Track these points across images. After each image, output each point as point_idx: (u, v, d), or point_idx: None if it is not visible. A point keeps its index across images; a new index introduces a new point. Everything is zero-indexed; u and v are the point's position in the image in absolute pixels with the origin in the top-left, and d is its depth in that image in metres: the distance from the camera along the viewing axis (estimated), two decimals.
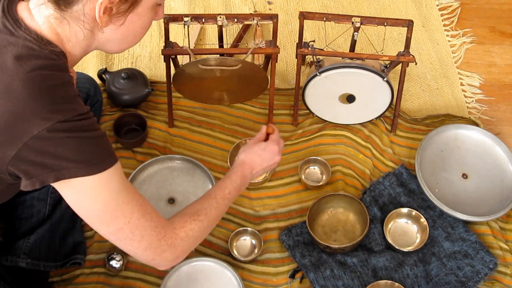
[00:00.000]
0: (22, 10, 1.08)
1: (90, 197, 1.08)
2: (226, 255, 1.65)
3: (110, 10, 1.05)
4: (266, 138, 1.49)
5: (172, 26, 1.74)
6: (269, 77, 1.78)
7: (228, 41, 2.10)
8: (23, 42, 1.04)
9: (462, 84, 2.08)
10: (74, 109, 1.04)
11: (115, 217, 1.11)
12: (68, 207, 1.59)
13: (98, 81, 1.89)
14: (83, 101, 1.63)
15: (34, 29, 1.06)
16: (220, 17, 1.68)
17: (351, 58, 1.72)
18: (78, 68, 2.00)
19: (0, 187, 1.19)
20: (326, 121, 1.88)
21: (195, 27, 2.11)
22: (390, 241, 1.66)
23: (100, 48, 1.17)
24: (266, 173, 1.73)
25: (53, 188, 1.56)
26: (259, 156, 1.43)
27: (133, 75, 1.86)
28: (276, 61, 1.75)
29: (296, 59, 1.78)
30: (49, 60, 1.05)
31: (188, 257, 1.60)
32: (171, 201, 1.71)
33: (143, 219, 1.13)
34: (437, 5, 2.29)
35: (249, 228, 1.67)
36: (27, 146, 1.01)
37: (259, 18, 1.69)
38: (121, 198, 1.10)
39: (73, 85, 1.09)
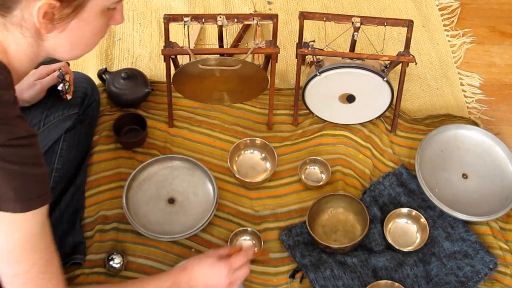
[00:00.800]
0: None
1: (2, 232, 1.00)
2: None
3: (52, 15, 0.97)
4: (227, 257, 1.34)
5: (172, 26, 1.74)
6: (269, 77, 1.78)
7: (228, 41, 2.10)
8: None
9: (462, 84, 2.08)
10: (10, 132, 0.95)
11: (16, 261, 1.02)
12: (67, 207, 1.61)
13: (97, 81, 1.89)
14: (81, 101, 1.65)
15: None
16: (220, 17, 1.68)
17: (351, 58, 1.72)
18: (77, 68, 2.01)
19: None
20: (326, 121, 1.88)
21: (195, 27, 2.11)
22: (390, 241, 1.65)
23: (51, 56, 1.09)
24: None
25: (52, 187, 1.57)
26: (203, 270, 1.29)
27: (133, 75, 1.85)
28: (276, 61, 1.75)
29: (296, 59, 1.78)
30: None
31: (188, 257, 1.60)
32: (171, 201, 1.71)
33: (43, 275, 1.05)
34: (437, 5, 2.29)
35: (249, 228, 1.67)
36: None
37: (259, 18, 1.69)
38: (32, 244, 1.02)
39: (14, 104, 1.00)
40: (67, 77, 1.56)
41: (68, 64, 1.59)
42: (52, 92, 1.57)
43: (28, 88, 1.52)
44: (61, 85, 1.55)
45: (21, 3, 0.95)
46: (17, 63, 1.04)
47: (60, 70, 1.54)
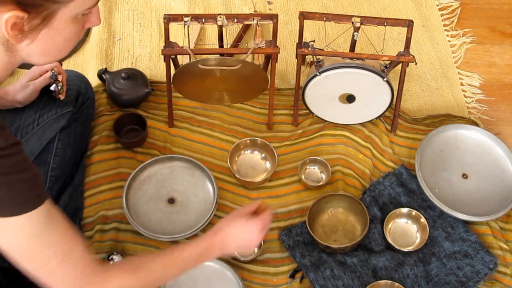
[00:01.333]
0: None
1: (4, 236, 1.01)
2: (226, 255, 1.65)
3: (21, 26, 0.95)
4: (257, 213, 1.35)
5: (172, 26, 1.74)
6: (269, 77, 1.78)
7: (228, 41, 2.10)
8: None
9: (462, 84, 2.08)
10: None
11: (31, 258, 1.04)
12: (66, 207, 1.61)
13: (97, 81, 1.89)
14: (74, 99, 1.64)
15: None
16: (220, 17, 1.68)
17: (351, 58, 1.72)
18: (78, 68, 2.01)
19: None
20: (326, 121, 1.88)
21: (195, 27, 2.11)
22: (390, 241, 1.65)
23: (26, 62, 1.07)
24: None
25: (49, 187, 1.57)
26: (236, 231, 1.30)
27: (133, 75, 1.85)
28: (276, 61, 1.75)
29: (296, 59, 1.78)
30: None
31: None
32: (171, 201, 1.71)
33: (64, 267, 1.05)
34: (437, 5, 2.29)
35: None
36: None
37: (259, 18, 1.69)
38: (41, 241, 1.02)
39: None
40: (59, 77, 1.55)
41: (61, 64, 1.59)
42: (45, 92, 1.56)
43: (21, 90, 1.51)
44: (54, 85, 1.55)
45: None
46: None
47: (53, 71, 1.53)
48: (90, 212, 1.67)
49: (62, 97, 1.57)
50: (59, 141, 1.62)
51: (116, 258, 1.57)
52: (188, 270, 1.24)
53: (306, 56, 1.89)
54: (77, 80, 1.67)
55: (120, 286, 1.11)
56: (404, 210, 1.70)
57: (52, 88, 1.55)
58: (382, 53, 1.79)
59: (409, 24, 1.71)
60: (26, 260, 1.04)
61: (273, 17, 1.69)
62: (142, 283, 1.15)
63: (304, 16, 1.73)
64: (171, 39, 1.73)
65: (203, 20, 1.69)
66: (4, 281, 1.42)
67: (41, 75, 1.55)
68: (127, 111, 1.85)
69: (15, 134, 1.47)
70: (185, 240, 1.65)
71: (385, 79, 1.72)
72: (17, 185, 0.99)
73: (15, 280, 1.47)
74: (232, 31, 2.15)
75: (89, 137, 1.79)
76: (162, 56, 1.75)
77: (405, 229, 1.70)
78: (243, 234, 1.30)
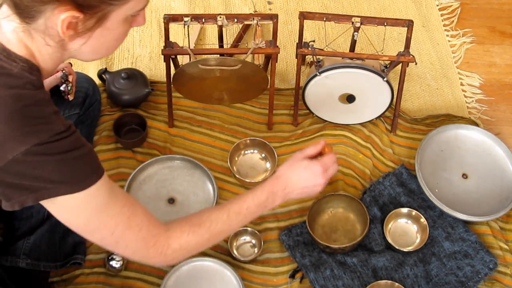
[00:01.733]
0: None
1: (71, 213, 1.06)
2: (226, 255, 1.65)
3: (75, 25, 0.98)
4: (317, 157, 1.33)
5: (172, 26, 1.74)
6: (269, 77, 1.78)
7: (228, 41, 2.10)
8: None
9: (462, 84, 2.08)
10: (50, 129, 0.98)
11: (97, 229, 1.08)
12: None
13: (97, 81, 1.89)
14: (82, 101, 1.65)
15: (2, 43, 1.01)
16: (220, 17, 1.68)
17: (351, 58, 1.72)
18: (78, 68, 2.00)
19: None
20: (326, 121, 1.88)
21: (195, 27, 2.11)
22: (390, 241, 1.65)
23: (74, 57, 1.11)
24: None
25: None
26: (297, 174, 1.29)
27: (133, 75, 1.86)
28: (276, 61, 1.75)
29: (296, 59, 1.78)
30: (20, 79, 0.99)
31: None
32: (171, 201, 1.71)
33: (129, 231, 1.10)
34: (437, 5, 2.29)
35: (249, 228, 1.67)
36: (3, 170, 0.97)
37: (259, 18, 1.69)
38: (105, 212, 1.07)
39: (49, 102, 1.03)
40: (70, 78, 1.55)
41: (71, 65, 1.59)
42: (53, 92, 1.56)
43: None
44: (64, 85, 1.55)
45: (44, 13, 0.96)
46: (42, 65, 1.06)
47: (64, 71, 1.54)
48: None
49: (71, 97, 1.57)
50: None
51: (116, 258, 1.57)
52: (252, 219, 1.25)
53: (306, 56, 1.89)
54: (85, 83, 1.69)
55: (184, 243, 1.15)
56: (404, 210, 1.70)
57: (62, 88, 1.55)
58: (382, 53, 1.79)
59: (409, 24, 1.71)
60: (91, 232, 1.09)
61: (273, 17, 1.69)
62: (204, 239, 1.18)
63: (304, 16, 1.73)
64: (171, 39, 1.73)
65: (203, 20, 1.69)
66: (7, 279, 1.42)
67: (51, 75, 1.55)
68: (127, 111, 1.85)
69: None
70: None
71: (385, 79, 1.72)
72: (79, 159, 1.02)
73: (17, 278, 1.47)
74: (232, 31, 2.15)
75: (93, 139, 1.79)
76: (162, 56, 1.75)
77: (405, 229, 1.70)
78: (305, 177, 1.29)
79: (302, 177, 1.29)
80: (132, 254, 1.15)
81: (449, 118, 1.93)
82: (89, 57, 1.11)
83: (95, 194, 1.04)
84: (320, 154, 1.34)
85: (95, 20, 0.99)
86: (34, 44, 1.03)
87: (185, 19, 1.68)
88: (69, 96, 1.57)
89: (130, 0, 0.99)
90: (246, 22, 1.75)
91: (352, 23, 1.69)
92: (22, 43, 1.02)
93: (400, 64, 1.76)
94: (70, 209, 1.05)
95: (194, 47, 2.03)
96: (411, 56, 1.72)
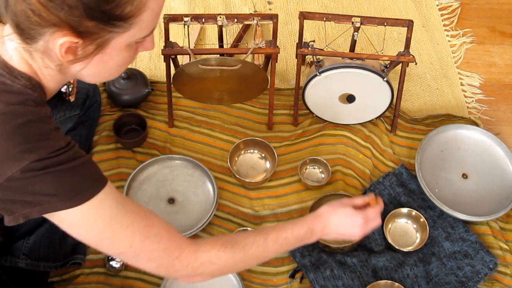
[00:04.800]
0: None
1: (81, 226, 1.03)
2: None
3: (75, 50, 0.96)
4: (363, 208, 1.34)
5: (172, 26, 1.74)
6: (269, 77, 1.78)
7: (228, 41, 2.10)
8: None
9: (462, 84, 2.08)
10: (50, 146, 0.97)
11: (114, 243, 1.05)
12: None
13: None
14: (82, 102, 1.65)
15: (4, 60, 1.00)
16: (220, 17, 1.68)
17: (351, 58, 1.72)
18: None
19: None
20: (326, 121, 1.88)
21: (195, 27, 2.11)
22: (390, 241, 1.65)
23: (77, 78, 1.10)
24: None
25: None
26: (339, 219, 1.30)
27: (133, 75, 1.86)
28: (276, 61, 1.75)
29: (296, 59, 1.78)
30: (22, 95, 0.99)
31: None
32: (171, 201, 1.71)
33: (148, 241, 1.06)
34: (437, 5, 2.29)
35: (249, 228, 1.67)
36: (3, 188, 0.96)
37: (259, 18, 1.69)
38: (117, 223, 1.04)
39: (50, 118, 1.02)
40: (71, 79, 1.55)
41: None
42: (54, 94, 1.56)
43: None
44: (65, 87, 1.55)
45: (44, 36, 0.94)
46: (45, 83, 1.05)
47: None
48: None
49: (72, 99, 1.57)
50: None
51: (116, 258, 1.57)
52: (285, 251, 1.25)
53: (306, 56, 1.89)
54: (86, 84, 1.69)
55: (214, 257, 1.11)
56: (404, 210, 1.70)
57: (63, 89, 1.55)
58: (382, 53, 1.79)
59: (409, 24, 1.71)
60: (108, 246, 1.06)
61: (273, 17, 1.69)
62: (236, 259, 1.14)
63: (304, 16, 1.73)
64: (171, 39, 1.73)
65: (203, 20, 1.69)
66: (7, 279, 1.42)
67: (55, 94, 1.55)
68: (127, 111, 1.85)
69: None
70: None
71: (385, 79, 1.72)
72: (83, 167, 1.01)
73: (17, 278, 1.47)
74: (232, 31, 2.15)
75: (93, 139, 1.79)
76: (162, 56, 1.75)
77: (405, 229, 1.70)
78: (345, 224, 1.30)
79: (342, 223, 1.30)
80: (156, 268, 1.10)
81: (449, 118, 1.93)
82: (91, 80, 1.09)
83: (101, 205, 1.02)
84: (367, 205, 1.36)
85: (94, 46, 0.97)
86: (35, 64, 1.02)
87: (185, 19, 1.68)
88: (70, 97, 1.56)
89: (132, 28, 0.96)
90: (246, 22, 1.75)
91: (352, 23, 1.70)
92: (24, 61, 1.01)
93: (400, 64, 1.76)
94: (79, 223, 1.02)
95: (194, 47, 2.03)
96: (411, 56, 1.72)
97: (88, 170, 1.03)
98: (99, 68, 1.03)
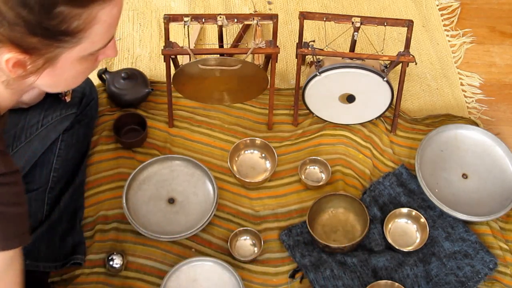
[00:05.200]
0: None
1: None
2: (226, 255, 1.65)
3: (24, 64, 0.91)
4: None
5: (172, 26, 1.73)
6: (269, 77, 1.78)
7: (228, 41, 2.10)
8: None
9: (462, 84, 2.08)
10: None
11: None
12: (66, 207, 1.61)
13: (97, 81, 1.89)
14: (79, 101, 1.63)
15: None
16: (220, 17, 1.68)
17: (351, 58, 1.72)
18: None
19: None
20: (326, 121, 1.88)
21: (195, 27, 2.11)
22: (390, 241, 1.65)
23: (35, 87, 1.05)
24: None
25: (51, 188, 1.57)
26: None
27: (133, 75, 1.85)
28: (276, 61, 1.75)
29: (296, 59, 1.78)
30: None
31: (188, 257, 1.60)
32: (171, 201, 1.71)
33: None
34: (437, 5, 2.29)
35: (249, 228, 1.67)
36: None
37: (259, 18, 1.69)
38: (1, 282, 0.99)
39: None
40: None
41: None
42: (50, 93, 1.56)
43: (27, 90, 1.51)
44: None
45: None
46: None
47: None
48: (90, 212, 1.67)
49: (68, 99, 1.56)
50: (62, 142, 1.62)
51: (116, 258, 1.57)
52: None
53: (306, 56, 1.89)
54: (83, 82, 1.67)
55: None
56: (404, 210, 1.70)
57: None
58: (382, 53, 1.79)
59: (409, 24, 1.71)
60: None
61: (273, 17, 1.69)
62: None
63: (304, 16, 1.73)
64: (171, 39, 1.73)
65: (203, 20, 1.69)
66: None
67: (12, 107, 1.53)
68: (127, 111, 1.85)
69: (19, 135, 1.47)
70: (185, 240, 1.65)
71: (385, 79, 1.72)
72: (9, 218, 0.96)
73: None
74: (232, 31, 2.15)
75: (91, 138, 1.79)
76: (162, 56, 1.75)
77: (405, 229, 1.70)
78: None
79: None
80: None
81: (449, 118, 1.93)
82: (50, 90, 1.06)
83: (4, 257, 0.97)
84: None
85: (43, 60, 0.92)
86: None
87: (185, 19, 1.68)
88: (66, 97, 1.56)
89: (82, 42, 0.91)
90: (246, 22, 1.75)
91: (352, 23, 1.69)
92: None
93: (400, 64, 1.76)
94: None
95: (194, 47, 2.03)
96: (411, 56, 1.72)
97: (17, 222, 0.97)
98: (53, 81, 1.00)
